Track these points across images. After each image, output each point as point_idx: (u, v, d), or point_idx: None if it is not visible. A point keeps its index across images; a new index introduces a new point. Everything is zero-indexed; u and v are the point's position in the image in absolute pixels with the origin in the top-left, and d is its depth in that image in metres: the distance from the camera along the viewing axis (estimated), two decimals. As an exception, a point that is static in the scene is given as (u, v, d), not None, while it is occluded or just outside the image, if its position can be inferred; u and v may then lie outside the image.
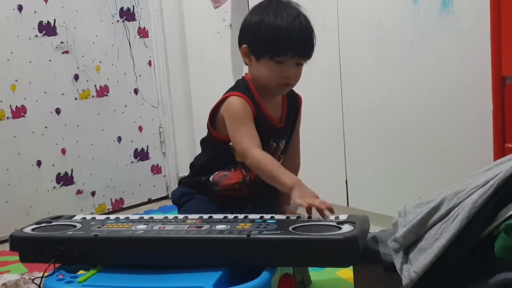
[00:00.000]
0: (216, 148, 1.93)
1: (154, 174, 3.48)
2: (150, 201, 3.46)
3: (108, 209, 3.29)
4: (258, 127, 1.87)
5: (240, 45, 1.92)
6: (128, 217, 1.75)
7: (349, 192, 2.68)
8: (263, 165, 1.78)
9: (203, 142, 2.02)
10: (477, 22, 2.10)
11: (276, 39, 1.82)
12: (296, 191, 1.70)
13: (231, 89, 1.93)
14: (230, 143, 1.88)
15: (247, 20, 1.91)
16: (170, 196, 2.12)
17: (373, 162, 2.58)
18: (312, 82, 2.73)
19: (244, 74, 1.99)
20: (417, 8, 2.29)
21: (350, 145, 2.65)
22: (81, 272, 1.60)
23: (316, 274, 2.09)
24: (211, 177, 1.91)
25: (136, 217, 1.76)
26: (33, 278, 2.08)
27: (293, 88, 1.98)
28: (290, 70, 1.86)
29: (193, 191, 1.95)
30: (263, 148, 1.85)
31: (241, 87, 1.92)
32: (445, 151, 2.31)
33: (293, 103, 2.03)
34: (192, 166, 2.03)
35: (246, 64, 1.94)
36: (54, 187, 3.10)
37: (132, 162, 3.38)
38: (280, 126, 1.95)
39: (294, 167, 2.05)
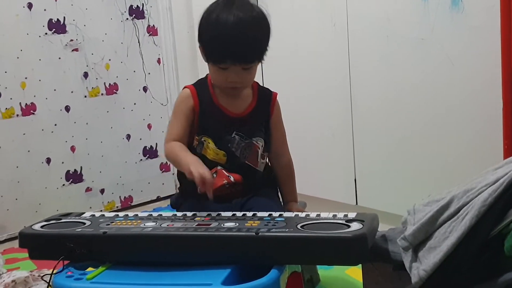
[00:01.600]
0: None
1: (163, 171, 3.49)
2: (158, 198, 3.47)
3: (117, 207, 3.30)
4: (208, 116, 1.87)
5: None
6: (137, 215, 1.75)
7: (358, 190, 2.68)
8: (170, 151, 1.84)
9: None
10: (487, 20, 2.09)
11: (216, 48, 1.80)
12: (191, 166, 1.72)
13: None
14: (194, 144, 1.87)
15: (200, 19, 1.87)
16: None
17: (382, 160, 2.57)
18: (321, 79, 2.73)
19: None
20: (427, 6, 2.28)
21: (359, 143, 2.65)
22: (90, 269, 1.60)
23: (324, 272, 2.08)
24: (198, 189, 1.80)
25: (145, 214, 1.76)
26: (42, 275, 2.09)
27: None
28: (234, 75, 1.82)
29: (187, 195, 1.93)
30: (222, 140, 1.85)
31: (198, 80, 1.95)
32: (455, 149, 2.30)
33: (264, 99, 1.96)
34: (178, 173, 1.97)
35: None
36: (63, 185, 3.11)
37: (141, 159, 3.39)
38: (236, 117, 1.89)
39: (283, 165, 2.01)
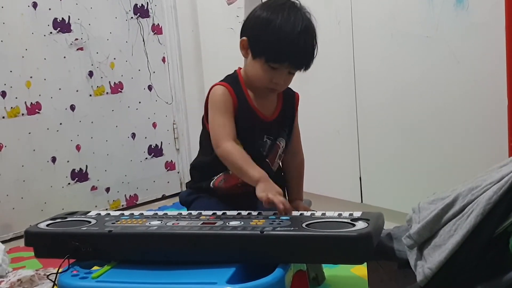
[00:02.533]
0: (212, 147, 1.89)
1: (168, 170, 3.49)
2: (164, 197, 3.47)
3: (123, 205, 3.31)
4: (243, 119, 1.85)
5: (241, 35, 1.89)
6: (142, 213, 1.75)
7: (363, 189, 2.67)
8: (232, 157, 1.79)
9: (201, 138, 2.00)
10: (492, 17, 2.08)
11: (277, 47, 1.79)
12: (261, 184, 1.71)
13: (220, 80, 1.92)
14: None
15: (255, 13, 1.87)
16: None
17: (387, 158, 2.57)
18: (326, 77, 2.73)
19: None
20: (431, 4, 2.27)
21: (364, 141, 2.64)
22: (95, 268, 1.60)
23: (330, 270, 2.08)
24: (211, 183, 1.88)
25: (150, 213, 1.76)
26: (47, 274, 2.10)
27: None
28: (280, 77, 1.83)
29: (200, 192, 1.94)
30: (255, 144, 1.85)
31: (228, 78, 1.92)
32: (460, 147, 2.30)
33: (289, 100, 1.98)
34: (192, 168, 2.00)
35: (243, 55, 1.91)
36: (69, 183, 3.11)
37: (146, 158, 3.40)
38: (268, 121, 1.90)
39: (297, 164, 2.03)
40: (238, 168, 1.78)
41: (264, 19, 1.83)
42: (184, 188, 3.18)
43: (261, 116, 1.89)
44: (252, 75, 1.87)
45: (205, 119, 1.92)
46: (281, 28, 1.79)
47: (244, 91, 1.88)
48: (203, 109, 1.93)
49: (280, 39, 1.79)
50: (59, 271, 1.55)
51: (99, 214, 1.79)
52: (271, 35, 1.80)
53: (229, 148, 1.79)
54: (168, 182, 3.49)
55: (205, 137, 1.92)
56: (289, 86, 1.94)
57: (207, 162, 1.92)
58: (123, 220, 1.68)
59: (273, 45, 1.80)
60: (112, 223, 1.65)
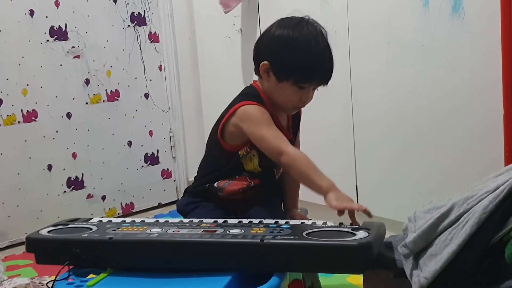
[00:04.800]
0: (227, 159, 1.89)
1: (164, 178, 3.49)
2: (160, 205, 3.47)
3: (118, 213, 3.30)
4: None
5: (259, 57, 1.84)
6: (143, 220, 1.75)
7: (359, 197, 2.67)
8: (299, 165, 1.75)
9: (210, 147, 1.98)
10: (487, 26, 2.09)
11: (306, 67, 1.77)
12: (331, 194, 1.67)
13: (242, 99, 1.87)
14: (240, 152, 1.86)
15: (273, 34, 1.82)
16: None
17: (383, 167, 2.57)
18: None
19: (252, 81, 1.94)
20: (428, 13, 2.28)
21: (360, 149, 2.65)
22: (91, 276, 1.60)
23: (326, 279, 2.08)
24: (216, 183, 1.90)
25: (152, 220, 1.75)
26: (43, 282, 2.09)
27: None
28: (309, 95, 1.84)
29: (198, 200, 1.94)
30: (271, 160, 1.84)
31: (253, 97, 1.86)
32: (456, 156, 2.30)
33: (296, 115, 1.98)
34: (200, 170, 2.01)
35: (260, 77, 1.87)
36: (65, 191, 3.11)
37: (143, 166, 3.39)
38: (290, 137, 1.90)
39: None
40: (305, 176, 1.75)
41: (285, 40, 1.79)
42: (180, 196, 3.19)
43: (284, 131, 1.87)
44: (279, 98, 1.84)
45: (219, 136, 1.88)
46: (306, 46, 1.77)
47: (270, 110, 1.85)
48: (219, 126, 1.88)
49: (309, 58, 1.77)
50: (57, 278, 1.55)
51: (101, 221, 1.78)
52: (297, 55, 1.77)
53: (295, 154, 1.76)
54: (164, 190, 3.49)
55: (216, 149, 1.91)
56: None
57: (218, 169, 1.92)
58: (124, 227, 1.67)
59: (302, 65, 1.78)
60: (113, 230, 1.64)
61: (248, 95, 1.88)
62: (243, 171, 1.89)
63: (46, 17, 3.00)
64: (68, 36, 3.07)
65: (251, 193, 1.90)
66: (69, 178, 3.12)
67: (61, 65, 3.06)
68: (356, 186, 2.68)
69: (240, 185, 1.88)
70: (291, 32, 1.79)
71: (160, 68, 3.44)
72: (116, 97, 3.26)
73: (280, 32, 1.81)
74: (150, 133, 3.42)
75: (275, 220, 1.68)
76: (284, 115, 1.93)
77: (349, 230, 1.55)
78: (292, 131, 1.96)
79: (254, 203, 1.88)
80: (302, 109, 1.96)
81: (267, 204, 1.90)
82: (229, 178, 1.90)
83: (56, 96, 3.05)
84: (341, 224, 1.62)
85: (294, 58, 1.78)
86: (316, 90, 1.87)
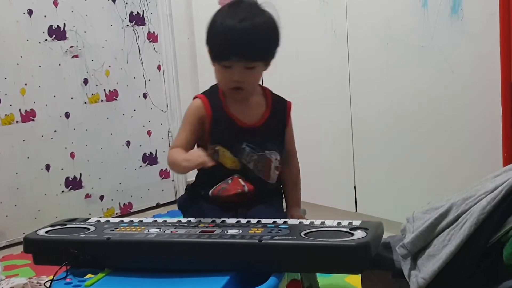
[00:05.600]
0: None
1: (162, 178, 3.49)
2: (158, 205, 3.46)
3: (117, 213, 3.30)
4: (219, 126, 1.85)
5: None
6: (141, 221, 1.74)
7: (357, 198, 2.68)
8: (169, 157, 1.83)
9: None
10: (486, 27, 2.09)
11: (220, 44, 1.78)
12: (184, 161, 1.75)
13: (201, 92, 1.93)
14: (209, 152, 1.82)
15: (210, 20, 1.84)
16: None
17: (382, 167, 2.57)
18: (321, 86, 2.73)
19: None
20: (427, 13, 2.28)
21: (359, 150, 2.65)
22: (89, 276, 1.60)
23: (324, 280, 2.08)
24: (210, 191, 1.86)
25: (150, 220, 1.75)
26: (40, 282, 2.09)
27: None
28: (238, 74, 1.79)
29: (198, 197, 1.93)
30: (231, 150, 1.81)
31: (208, 89, 1.92)
32: (454, 156, 2.30)
33: (280, 109, 1.93)
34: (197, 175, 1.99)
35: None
36: (63, 191, 3.10)
37: (141, 166, 3.39)
38: (249, 127, 1.87)
39: (291, 170, 2.00)
40: (173, 162, 1.82)
41: (210, 24, 1.81)
42: (180, 194, 3.19)
43: (239, 122, 1.86)
44: (218, 81, 1.87)
45: None
46: (222, 23, 1.77)
47: (221, 99, 1.87)
48: None
49: (220, 35, 1.77)
50: (55, 278, 1.54)
51: (99, 221, 1.78)
52: (215, 35, 1.79)
53: (170, 152, 1.85)
54: (162, 190, 3.48)
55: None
56: (283, 95, 1.93)
57: (209, 172, 1.89)
58: (122, 227, 1.67)
59: (217, 44, 1.79)
60: (111, 231, 1.64)
61: (210, 87, 1.93)
62: (233, 172, 1.85)
63: (45, 16, 3.00)
64: (67, 35, 3.07)
65: (247, 197, 1.87)
66: (67, 178, 3.12)
67: (59, 64, 3.05)
68: (355, 187, 2.68)
69: (234, 190, 1.84)
70: (216, 13, 1.81)
71: (158, 68, 3.44)
72: (114, 97, 3.25)
73: (211, 18, 1.83)
74: (149, 133, 3.41)
75: (273, 220, 1.67)
76: (250, 107, 1.89)
77: (347, 230, 1.55)
78: (265, 126, 1.89)
79: (254, 203, 1.87)
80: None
81: (268, 204, 1.89)
82: (222, 181, 1.86)
83: (55, 96, 3.05)
84: (339, 223, 1.62)
85: (213, 38, 1.80)
86: (252, 70, 1.80)
